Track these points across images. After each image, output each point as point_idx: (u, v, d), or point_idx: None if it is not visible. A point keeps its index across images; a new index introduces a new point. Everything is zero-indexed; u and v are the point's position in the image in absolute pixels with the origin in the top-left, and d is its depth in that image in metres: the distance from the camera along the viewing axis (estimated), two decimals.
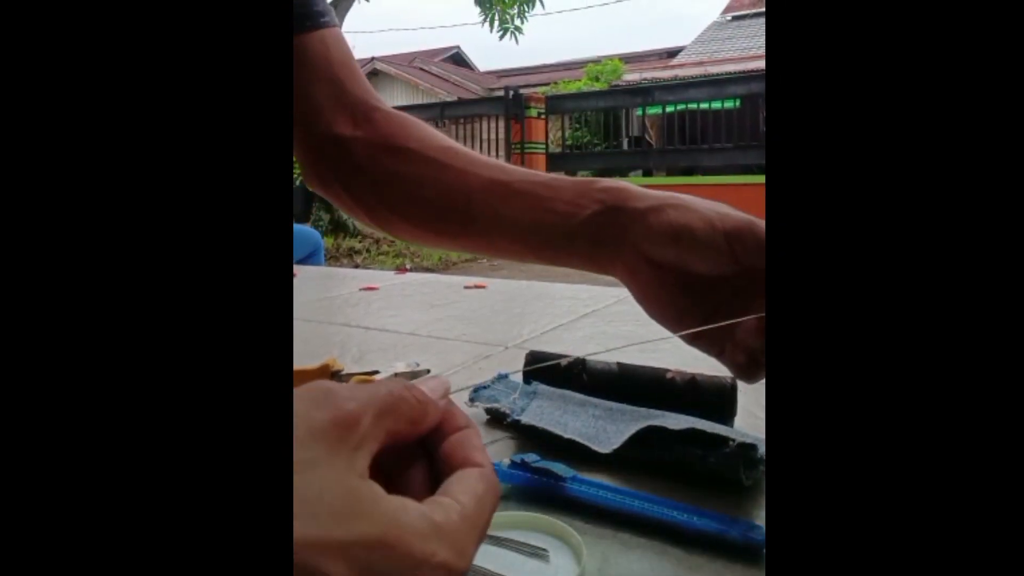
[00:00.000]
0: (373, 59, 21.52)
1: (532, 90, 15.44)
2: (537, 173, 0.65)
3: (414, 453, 0.37)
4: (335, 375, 0.89)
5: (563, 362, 0.81)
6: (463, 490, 0.33)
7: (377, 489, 0.30)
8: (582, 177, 0.60)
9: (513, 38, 10.04)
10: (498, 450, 0.72)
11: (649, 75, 16.33)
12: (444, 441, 0.37)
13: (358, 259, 7.38)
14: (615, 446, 0.67)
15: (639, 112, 13.71)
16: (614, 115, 13.69)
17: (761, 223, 0.53)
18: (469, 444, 0.37)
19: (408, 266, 6.33)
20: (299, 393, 0.31)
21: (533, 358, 0.84)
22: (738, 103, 11.78)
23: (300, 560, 0.27)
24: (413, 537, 0.29)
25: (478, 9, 9.94)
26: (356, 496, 0.29)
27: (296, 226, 3.45)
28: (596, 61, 18.87)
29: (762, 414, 0.76)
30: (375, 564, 0.28)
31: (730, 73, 13.45)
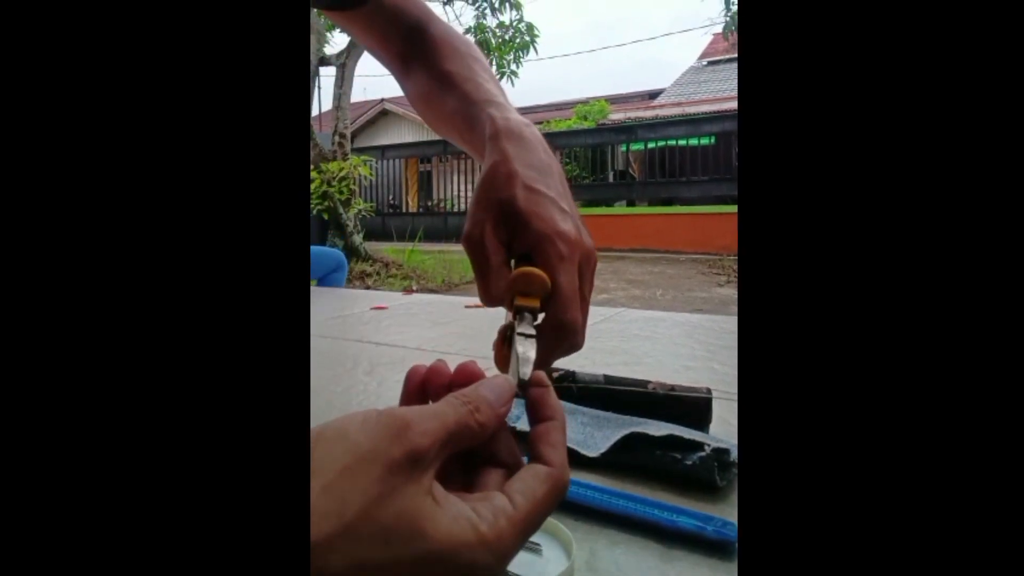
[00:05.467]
0: (383, 100, 21.56)
1: None
2: (473, 100, 0.63)
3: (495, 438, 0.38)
4: None
5: (554, 374, 0.81)
6: (522, 489, 0.34)
7: (438, 504, 0.31)
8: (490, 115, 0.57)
9: (509, 81, 10.05)
10: None
11: (632, 115, 16.39)
12: (534, 429, 0.38)
13: (369, 281, 7.39)
14: (602, 450, 0.66)
15: (623, 148, 13.78)
16: (601, 151, 13.77)
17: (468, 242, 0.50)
18: (548, 439, 0.37)
19: (414, 287, 6.33)
20: (377, 425, 0.32)
21: None
22: (713, 140, 11.85)
23: None
24: (461, 548, 0.31)
25: None
26: (421, 516, 0.30)
27: (320, 248, 3.46)
28: (584, 102, 18.92)
29: (735, 422, 0.76)
30: (430, 574, 0.30)
31: (706, 113, 13.51)
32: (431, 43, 0.75)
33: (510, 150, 0.53)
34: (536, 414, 0.39)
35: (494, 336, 0.51)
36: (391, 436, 0.31)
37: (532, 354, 0.45)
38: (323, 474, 0.29)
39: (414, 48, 0.76)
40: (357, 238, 8.49)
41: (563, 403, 0.64)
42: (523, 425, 0.71)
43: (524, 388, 0.41)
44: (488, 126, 0.56)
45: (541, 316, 0.48)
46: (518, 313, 0.47)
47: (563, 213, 0.51)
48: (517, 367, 0.44)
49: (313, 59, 8.45)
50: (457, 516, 0.31)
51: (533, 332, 0.46)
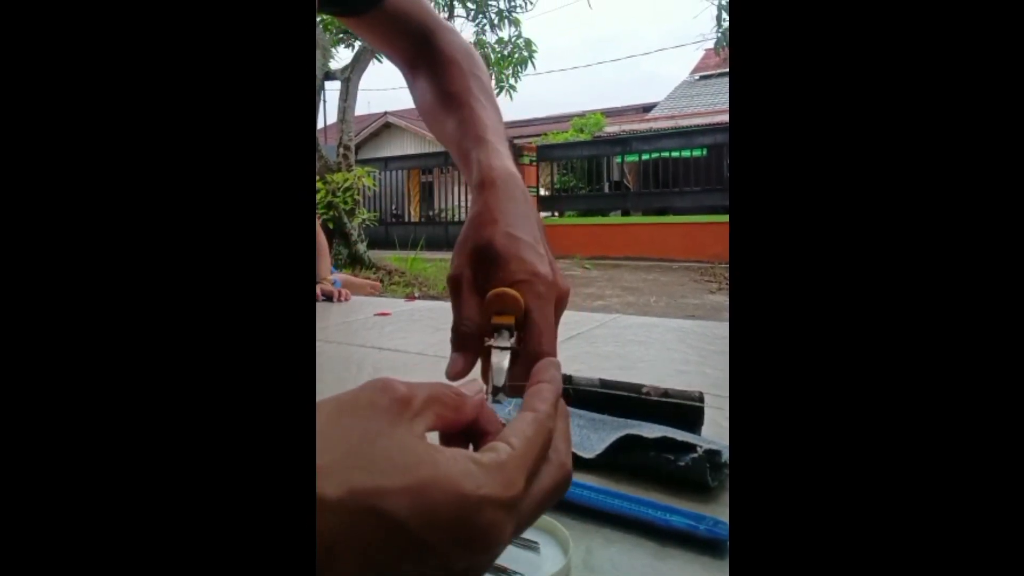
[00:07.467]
0: (386, 113, 21.54)
1: (525, 140, 15.49)
2: (466, 137, 0.65)
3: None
4: None
5: None
6: (514, 433, 0.35)
7: (431, 445, 0.32)
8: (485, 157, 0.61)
9: (508, 95, 10.06)
10: None
11: (627, 127, 16.39)
12: (527, 392, 0.40)
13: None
14: (598, 452, 0.66)
15: (618, 159, 13.78)
16: (597, 162, 13.78)
17: (451, 283, 0.53)
18: (538, 395, 0.39)
19: (416, 294, 6.32)
20: (364, 386, 0.34)
21: None
22: (705, 152, 11.86)
23: (371, 505, 0.29)
24: (460, 476, 0.31)
25: None
26: (412, 451, 0.31)
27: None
28: (581, 115, 18.88)
29: (726, 424, 0.76)
30: (431, 501, 0.30)
31: (698, 126, 13.52)
32: (436, 58, 0.76)
33: (492, 201, 0.56)
34: (532, 379, 0.41)
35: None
36: (374, 390, 0.34)
37: (505, 364, 0.47)
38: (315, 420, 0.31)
39: (421, 57, 0.77)
40: (361, 247, 8.49)
41: None
42: None
43: (497, 394, 0.45)
44: (475, 173, 0.59)
45: (513, 341, 0.50)
46: (495, 330, 0.49)
47: (540, 256, 0.53)
48: (491, 376, 0.47)
49: (319, 74, 8.46)
50: (455, 454, 0.32)
51: (508, 345, 0.49)
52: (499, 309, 0.50)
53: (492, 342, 0.49)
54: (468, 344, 0.50)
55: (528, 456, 0.34)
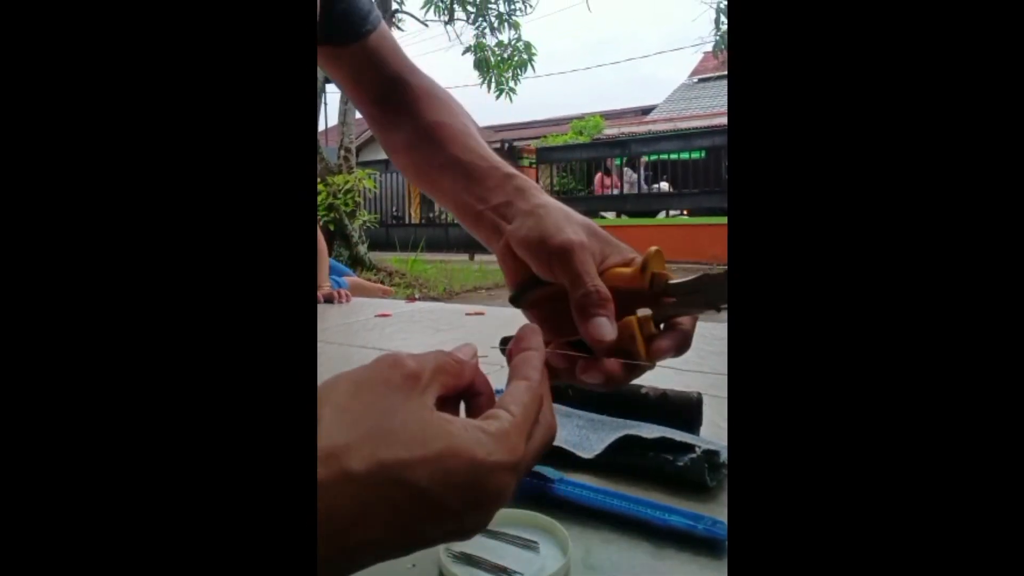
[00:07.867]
0: None
1: (525, 143, 15.48)
2: (481, 155, 0.66)
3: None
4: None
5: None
6: (512, 401, 0.39)
7: (444, 416, 0.35)
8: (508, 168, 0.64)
9: (508, 98, 10.06)
10: None
11: (626, 130, 16.39)
12: (514, 359, 0.43)
13: None
14: (597, 452, 0.66)
15: (617, 162, 13.76)
16: (595, 164, 13.75)
17: (578, 249, 0.52)
18: (527, 363, 0.43)
19: (417, 296, 6.32)
20: (376, 361, 0.37)
21: None
22: (703, 154, 11.85)
23: (394, 476, 0.32)
24: (473, 445, 0.34)
25: (477, 73, 10.00)
26: (429, 424, 0.34)
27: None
28: (580, 118, 18.86)
29: (725, 424, 0.76)
30: (447, 470, 0.33)
31: (697, 128, 13.51)
32: (413, 93, 0.75)
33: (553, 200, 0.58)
34: (517, 347, 0.44)
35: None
36: (387, 366, 0.36)
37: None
38: (335, 399, 0.34)
39: (394, 94, 0.76)
40: (362, 248, 8.49)
41: (559, 406, 0.64)
42: None
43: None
44: (524, 180, 0.62)
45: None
46: (660, 282, 0.51)
47: None
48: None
49: (320, 76, 8.44)
50: (466, 424, 0.35)
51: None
52: (656, 263, 0.52)
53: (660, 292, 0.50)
54: (610, 305, 0.50)
55: (527, 422, 0.38)
